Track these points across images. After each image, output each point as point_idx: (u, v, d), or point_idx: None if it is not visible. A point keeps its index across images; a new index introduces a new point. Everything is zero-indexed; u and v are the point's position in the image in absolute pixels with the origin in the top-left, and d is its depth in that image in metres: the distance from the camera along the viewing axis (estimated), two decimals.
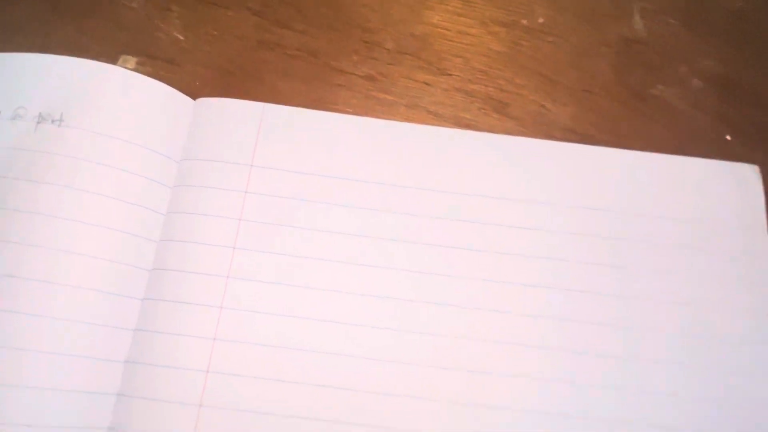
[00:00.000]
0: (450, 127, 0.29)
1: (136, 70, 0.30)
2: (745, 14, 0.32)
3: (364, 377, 0.24)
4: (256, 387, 0.24)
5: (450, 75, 0.31)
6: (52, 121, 0.26)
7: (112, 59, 0.30)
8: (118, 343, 0.24)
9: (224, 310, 0.25)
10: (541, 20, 0.32)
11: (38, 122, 0.26)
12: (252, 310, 0.25)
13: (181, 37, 0.31)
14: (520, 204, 0.27)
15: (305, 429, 0.23)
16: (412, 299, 0.25)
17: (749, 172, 0.27)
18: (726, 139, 0.30)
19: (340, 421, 0.23)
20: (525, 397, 0.24)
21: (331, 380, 0.24)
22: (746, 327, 0.25)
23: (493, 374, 0.24)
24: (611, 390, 0.24)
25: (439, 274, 0.26)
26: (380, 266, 0.26)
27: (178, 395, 0.23)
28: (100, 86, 0.27)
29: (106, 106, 0.26)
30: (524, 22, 0.32)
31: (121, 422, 0.23)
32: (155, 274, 0.25)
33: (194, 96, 0.29)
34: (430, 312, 0.25)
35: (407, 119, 0.30)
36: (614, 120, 0.30)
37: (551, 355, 0.25)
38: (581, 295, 0.26)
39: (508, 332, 0.25)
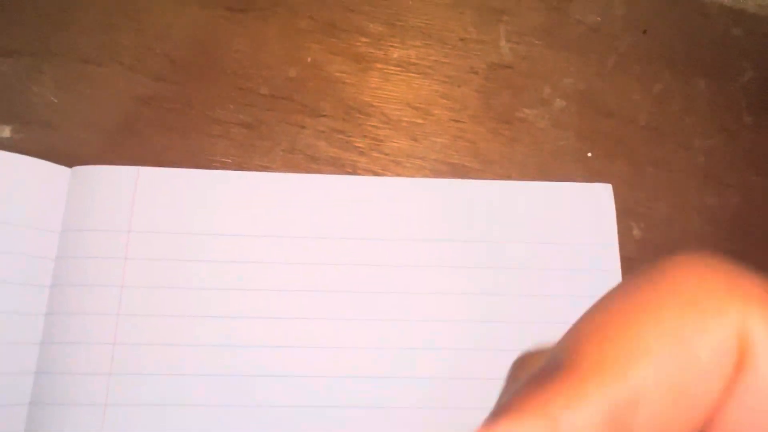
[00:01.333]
0: (327, 168, 0.31)
1: (10, 138, 0.30)
2: (601, 28, 0.34)
3: (255, 425, 0.26)
4: None
5: (325, 116, 0.32)
6: None
7: None
8: (12, 415, 0.25)
9: (113, 376, 0.26)
10: (411, 52, 0.33)
11: None
12: (139, 373, 0.26)
13: (55, 99, 0.31)
14: (395, 243, 0.29)
15: None
16: (300, 346, 0.27)
17: (602, 191, 0.30)
18: (587, 156, 0.32)
19: None
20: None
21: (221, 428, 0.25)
22: None
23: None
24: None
25: (324, 318, 0.27)
26: (267, 317, 0.27)
27: None
28: None
29: None
30: (395, 55, 0.33)
31: None
32: (44, 347, 0.26)
33: (73, 159, 0.30)
34: (314, 358, 0.27)
35: (285, 164, 0.31)
36: (483, 147, 0.32)
37: (434, 384, 0.27)
38: (455, 324, 0.28)
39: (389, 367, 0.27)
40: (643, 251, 0.30)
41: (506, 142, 0.32)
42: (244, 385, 0.26)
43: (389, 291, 0.28)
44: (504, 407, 0.10)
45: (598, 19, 0.34)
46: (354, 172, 0.31)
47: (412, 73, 0.33)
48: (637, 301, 0.11)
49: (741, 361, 0.10)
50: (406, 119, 0.32)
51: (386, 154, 0.31)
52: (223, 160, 0.30)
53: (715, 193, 0.31)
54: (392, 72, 0.33)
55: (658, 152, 0.32)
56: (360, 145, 0.31)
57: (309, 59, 0.33)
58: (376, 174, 0.31)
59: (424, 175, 0.31)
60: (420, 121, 0.32)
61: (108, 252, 0.27)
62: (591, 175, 0.31)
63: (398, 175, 0.31)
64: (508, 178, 0.31)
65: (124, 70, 0.32)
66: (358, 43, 0.33)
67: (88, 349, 0.26)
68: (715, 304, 0.10)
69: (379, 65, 0.33)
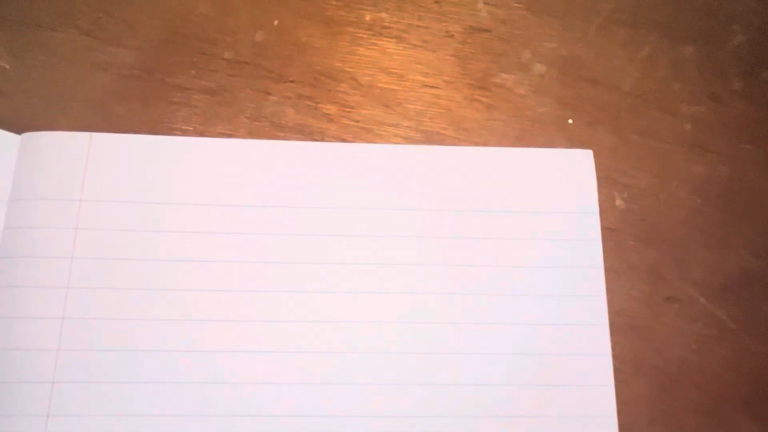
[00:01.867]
0: (294, 136, 0.29)
1: None
2: None
3: (210, 405, 0.24)
4: (99, 425, 0.24)
5: (292, 81, 0.30)
6: None
7: None
8: None
9: (61, 352, 0.24)
10: (384, 15, 0.31)
11: None
12: (90, 348, 0.24)
13: (7, 66, 0.29)
14: (366, 211, 0.27)
15: None
16: (254, 320, 0.25)
17: (583, 157, 0.28)
18: (568, 123, 0.30)
19: None
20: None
21: (177, 411, 0.24)
22: (579, 311, 0.26)
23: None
24: (453, 388, 0.25)
25: (286, 291, 0.26)
26: (225, 290, 0.26)
27: None
28: None
29: None
30: (368, 18, 0.31)
31: None
32: None
33: (25, 128, 0.28)
34: (273, 332, 0.25)
35: (250, 132, 0.29)
36: (459, 114, 0.30)
37: (404, 358, 0.25)
38: (429, 297, 0.26)
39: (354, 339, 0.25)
40: (626, 222, 0.29)
41: (483, 109, 0.30)
42: (200, 361, 0.24)
43: (359, 262, 0.26)
44: None
45: None
46: (322, 140, 0.29)
47: (385, 37, 0.31)
48: None
49: None
50: (378, 85, 0.30)
51: (356, 122, 0.30)
52: (184, 128, 0.29)
53: (702, 161, 0.30)
54: (364, 36, 0.31)
55: (643, 120, 0.30)
56: (329, 111, 0.30)
57: (276, 23, 0.31)
58: (345, 141, 0.29)
59: (396, 143, 0.29)
60: (393, 87, 0.30)
61: (58, 222, 0.26)
62: (572, 143, 0.30)
63: (369, 143, 0.29)
64: (485, 145, 0.29)
65: (81, 34, 0.30)
66: (328, 6, 0.31)
67: (36, 323, 0.24)
68: None
69: (350, 29, 0.31)
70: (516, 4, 0.32)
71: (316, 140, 0.29)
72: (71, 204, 0.26)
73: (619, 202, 0.29)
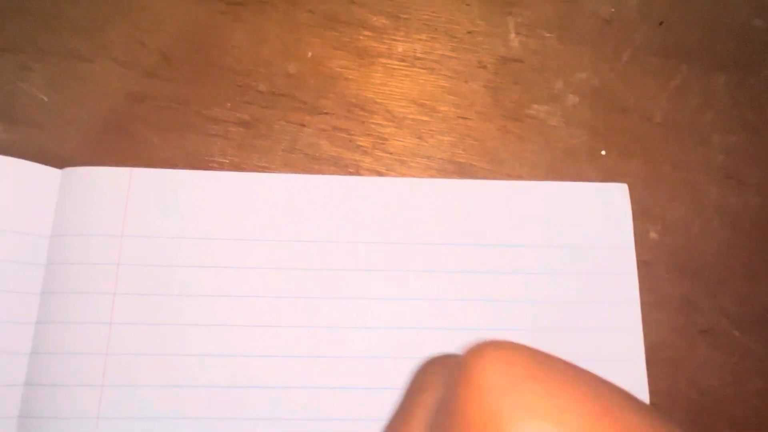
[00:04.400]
0: (329, 169, 0.29)
1: None
2: (616, 19, 0.32)
3: None
4: None
5: (326, 113, 0.30)
6: None
7: None
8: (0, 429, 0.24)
9: (105, 388, 0.25)
10: (416, 46, 0.32)
11: None
12: (133, 384, 0.25)
13: (45, 98, 0.30)
14: (401, 246, 0.27)
15: None
16: (299, 355, 0.26)
17: (618, 191, 0.28)
18: (601, 154, 0.30)
19: None
20: None
21: None
22: (615, 345, 0.26)
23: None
24: None
25: (325, 326, 0.26)
26: (265, 325, 0.26)
27: None
28: None
29: None
30: (400, 49, 0.32)
31: None
32: (34, 357, 0.25)
33: (64, 160, 0.28)
34: (314, 368, 0.25)
35: (285, 164, 0.29)
36: (492, 145, 0.30)
37: None
38: (464, 331, 0.26)
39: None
40: (660, 254, 0.29)
41: (516, 141, 0.30)
42: (241, 396, 0.25)
43: (395, 297, 0.26)
44: None
45: (612, 10, 0.32)
46: (357, 173, 0.29)
47: (418, 68, 0.31)
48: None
49: None
50: (411, 116, 0.30)
51: (390, 153, 0.30)
52: (220, 160, 0.29)
53: (735, 192, 0.30)
54: (396, 67, 0.31)
55: (675, 150, 0.30)
56: (363, 143, 0.30)
57: (309, 54, 0.31)
58: (380, 174, 0.29)
59: (430, 175, 0.29)
60: (425, 118, 0.30)
61: (100, 257, 0.26)
62: (605, 174, 0.30)
63: (403, 175, 0.29)
64: (519, 178, 0.29)
65: (116, 66, 0.30)
66: (361, 37, 0.32)
67: (80, 359, 0.25)
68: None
69: (382, 60, 0.31)
70: (548, 34, 0.32)
71: (351, 173, 0.29)
72: (113, 239, 0.26)
73: (652, 234, 0.29)
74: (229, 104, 0.30)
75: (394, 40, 0.31)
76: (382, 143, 0.30)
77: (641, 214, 0.29)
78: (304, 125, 0.30)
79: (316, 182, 0.28)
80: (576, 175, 0.30)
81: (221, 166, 0.29)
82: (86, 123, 0.29)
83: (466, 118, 0.30)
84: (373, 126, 0.30)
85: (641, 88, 0.31)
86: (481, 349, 0.13)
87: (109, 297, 0.26)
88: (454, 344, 0.26)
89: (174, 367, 0.25)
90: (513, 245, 0.27)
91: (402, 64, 0.31)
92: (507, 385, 0.12)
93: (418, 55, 0.31)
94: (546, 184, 0.28)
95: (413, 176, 0.29)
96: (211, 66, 0.31)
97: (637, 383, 0.26)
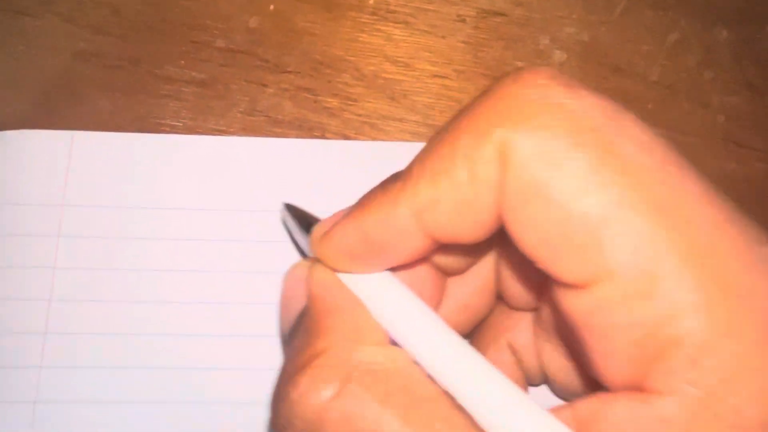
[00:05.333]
0: (292, 132, 0.27)
1: None
2: None
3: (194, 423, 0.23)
4: None
5: (289, 72, 0.28)
6: None
7: None
8: None
9: (44, 369, 0.23)
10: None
11: None
12: (74, 366, 0.23)
13: None
14: None
15: None
16: (254, 335, 0.24)
17: None
18: None
19: None
20: None
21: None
22: None
23: None
24: None
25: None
26: (221, 302, 0.24)
27: None
28: None
29: None
30: (371, 1, 0.29)
31: None
32: None
33: (2, 125, 0.26)
34: (267, 348, 0.23)
35: (244, 127, 0.27)
36: None
37: None
38: None
39: None
40: None
41: None
42: (188, 377, 0.23)
43: None
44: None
45: None
46: (323, 136, 0.27)
47: (391, 22, 0.29)
48: (452, 120, 0.14)
49: (503, 167, 0.13)
50: (383, 75, 0.28)
51: (359, 116, 0.27)
52: (173, 123, 0.27)
53: (735, 158, 0.27)
54: (367, 21, 0.29)
55: (672, 112, 0.28)
56: (330, 105, 0.27)
57: (271, 7, 0.28)
58: (348, 138, 0.27)
59: (403, 139, 0.27)
60: (399, 77, 0.28)
61: (39, 229, 0.24)
62: None
63: (373, 139, 0.27)
64: None
65: (62, 21, 0.28)
66: None
67: (17, 339, 0.23)
68: (484, 126, 0.13)
69: (352, 13, 0.28)
70: None
71: (316, 136, 0.27)
72: (53, 209, 0.24)
73: None
74: (183, 62, 0.27)
75: None
76: (351, 104, 0.27)
77: None
78: (265, 85, 0.27)
79: (277, 146, 0.26)
80: None
81: (174, 130, 0.27)
82: (28, 83, 0.27)
83: (443, 77, 0.28)
84: (340, 85, 0.28)
85: (635, 44, 0.28)
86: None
87: (49, 271, 0.24)
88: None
89: (120, 348, 0.23)
90: None
91: (373, 17, 0.28)
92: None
93: (392, 7, 0.29)
94: None
95: (384, 140, 0.27)
96: (164, 21, 0.28)
97: None
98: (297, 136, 0.27)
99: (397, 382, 0.13)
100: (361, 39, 0.28)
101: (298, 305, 0.16)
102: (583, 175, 0.12)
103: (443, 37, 0.28)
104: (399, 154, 0.26)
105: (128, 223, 0.24)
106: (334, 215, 0.17)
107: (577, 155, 0.12)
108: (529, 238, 0.13)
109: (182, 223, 0.25)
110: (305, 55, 0.28)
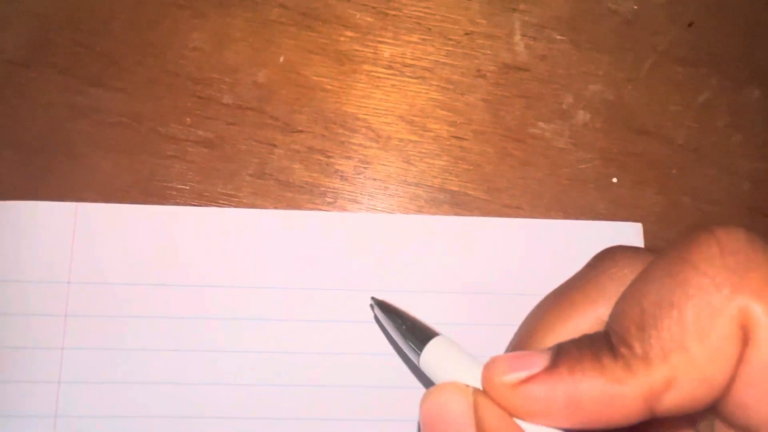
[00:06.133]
0: (303, 197, 0.26)
1: None
2: (638, 20, 0.28)
3: None
4: None
5: (300, 132, 0.26)
6: None
7: None
8: None
9: None
10: (405, 50, 0.27)
11: None
12: None
13: None
14: (385, 294, 0.24)
15: None
16: (260, 416, 0.23)
17: (631, 231, 0.25)
18: (612, 182, 0.27)
19: None
20: None
21: None
22: None
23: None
24: None
25: (300, 385, 0.24)
26: (237, 384, 0.23)
27: None
28: None
29: None
30: (387, 54, 0.27)
31: None
32: None
33: None
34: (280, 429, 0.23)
35: (254, 192, 0.26)
36: (489, 171, 0.26)
37: None
38: None
39: None
40: None
41: (517, 165, 0.27)
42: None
43: (381, 353, 0.24)
44: (562, 355, 0.14)
45: (635, 8, 0.28)
46: (335, 202, 0.26)
47: (407, 76, 0.27)
48: (667, 286, 0.13)
49: (745, 342, 0.13)
50: (398, 136, 0.27)
51: (374, 180, 0.26)
52: (180, 186, 0.26)
53: (762, 229, 0.27)
54: (382, 75, 0.27)
55: (697, 178, 0.27)
56: (342, 167, 0.26)
57: (281, 59, 0.27)
58: (360, 204, 0.26)
59: (418, 204, 0.26)
60: (415, 138, 0.27)
61: (45, 308, 0.23)
62: (615, 205, 0.26)
63: (388, 204, 0.26)
64: (517, 208, 0.26)
65: (57, 73, 0.26)
66: (342, 38, 0.27)
67: (28, 422, 0.22)
68: (726, 294, 0.13)
69: (366, 67, 0.27)
70: (558, 36, 0.27)
71: (328, 201, 0.26)
72: (60, 286, 0.23)
73: None
74: (188, 119, 0.26)
75: (381, 42, 0.27)
76: (365, 168, 0.26)
77: (653, 253, 0.26)
78: (275, 145, 0.26)
79: (289, 218, 0.25)
80: (583, 207, 0.26)
81: (180, 194, 0.25)
82: (22, 142, 0.25)
83: (461, 138, 0.27)
84: (354, 147, 0.26)
85: (663, 103, 0.27)
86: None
87: (57, 352, 0.23)
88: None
89: (126, 428, 0.23)
90: (513, 291, 0.24)
91: (388, 71, 0.27)
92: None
93: (408, 61, 0.27)
94: (550, 222, 0.25)
95: (399, 205, 0.26)
96: (166, 73, 0.26)
97: None
98: (308, 201, 0.26)
99: None
100: (375, 96, 0.27)
101: None
102: None
103: (462, 94, 0.27)
104: (415, 227, 0.25)
105: (135, 299, 0.23)
106: (516, 356, 0.15)
107: None
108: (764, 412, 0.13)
109: (191, 300, 0.24)
110: (317, 112, 0.26)
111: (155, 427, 0.23)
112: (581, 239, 0.25)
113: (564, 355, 0.14)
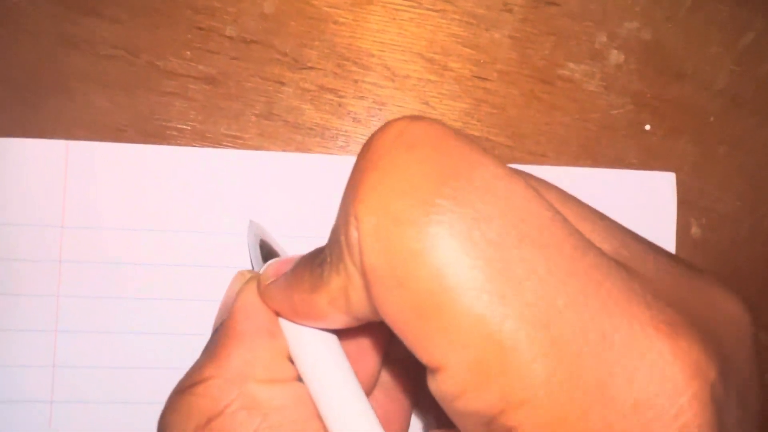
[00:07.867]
0: (313, 140, 0.24)
1: None
2: None
3: None
4: None
5: (311, 68, 0.24)
6: None
7: None
8: None
9: (55, 404, 0.21)
10: None
11: None
12: (83, 400, 0.21)
13: None
14: None
15: None
16: None
17: (663, 180, 0.23)
18: (644, 130, 0.25)
19: None
20: None
21: None
22: None
23: None
24: None
25: None
26: None
27: None
28: None
29: None
30: None
31: None
32: None
33: None
34: None
35: (261, 133, 0.24)
36: (514, 115, 0.25)
37: None
38: None
39: None
40: (698, 253, 0.25)
41: (544, 110, 0.25)
42: None
43: None
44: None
45: None
46: (347, 146, 0.24)
47: (427, 9, 0.25)
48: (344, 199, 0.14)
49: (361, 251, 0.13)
50: (415, 75, 0.25)
51: None
52: (180, 126, 0.24)
53: None
54: (400, 7, 0.25)
55: (735, 127, 0.25)
56: (355, 109, 0.24)
57: None
58: None
59: None
60: (434, 77, 0.25)
61: (39, 254, 0.22)
62: (646, 155, 0.25)
63: None
64: (542, 156, 0.24)
65: (47, 1, 0.24)
66: None
67: (25, 372, 0.21)
68: (350, 203, 0.13)
69: (380, 0, 0.25)
70: None
71: (340, 145, 0.24)
72: (53, 231, 0.22)
73: (695, 229, 0.25)
74: (188, 53, 0.24)
75: None
76: (379, 109, 0.24)
77: (684, 205, 0.25)
78: (282, 83, 0.24)
79: (298, 162, 0.23)
80: (612, 155, 0.25)
81: (181, 134, 0.24)
82: (8, 75, 0.23)
83: (484, 79, 0.25)
84: (368, 86, 0.24)
85: (704, 44, 0.25)
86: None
87: (53, 299, 0.22)
88: None
89: (122, 379, 0.22)
90: None
91: (406, 3, 0.25)
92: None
93: None
94: (576, 170, 0.23)
95: None
96: (165, 2, 0.24)
97: None
98: (319, 144, 0.24)
99: (274, 419, 0.15)
100: (391, 30, 0.24)
101: (227, 312, 0.17)
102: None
103: (486, 30, 0.25)
104: None
105: (130, 245, 0.22)
106: (287, 260, 0.17)
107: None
108: (395, 321, 0.13)
109: (192, 245, 0.22)
110: (328, 47, 0.24)
111: (155, 377, 0.22)
112: (610, 189, 0.23)
113: (298, 263, 0.15)
